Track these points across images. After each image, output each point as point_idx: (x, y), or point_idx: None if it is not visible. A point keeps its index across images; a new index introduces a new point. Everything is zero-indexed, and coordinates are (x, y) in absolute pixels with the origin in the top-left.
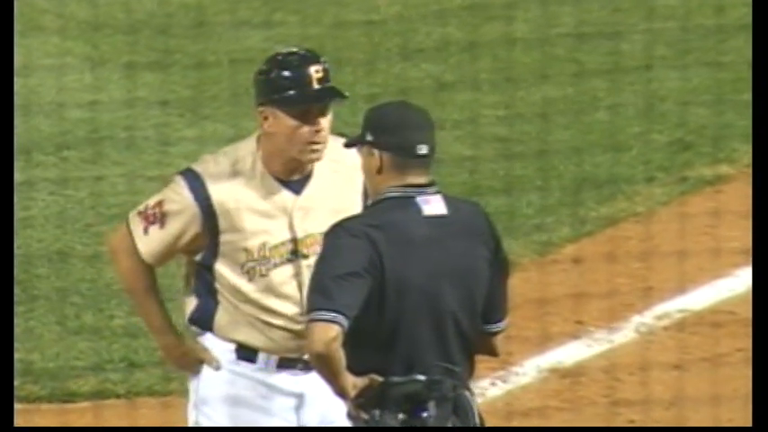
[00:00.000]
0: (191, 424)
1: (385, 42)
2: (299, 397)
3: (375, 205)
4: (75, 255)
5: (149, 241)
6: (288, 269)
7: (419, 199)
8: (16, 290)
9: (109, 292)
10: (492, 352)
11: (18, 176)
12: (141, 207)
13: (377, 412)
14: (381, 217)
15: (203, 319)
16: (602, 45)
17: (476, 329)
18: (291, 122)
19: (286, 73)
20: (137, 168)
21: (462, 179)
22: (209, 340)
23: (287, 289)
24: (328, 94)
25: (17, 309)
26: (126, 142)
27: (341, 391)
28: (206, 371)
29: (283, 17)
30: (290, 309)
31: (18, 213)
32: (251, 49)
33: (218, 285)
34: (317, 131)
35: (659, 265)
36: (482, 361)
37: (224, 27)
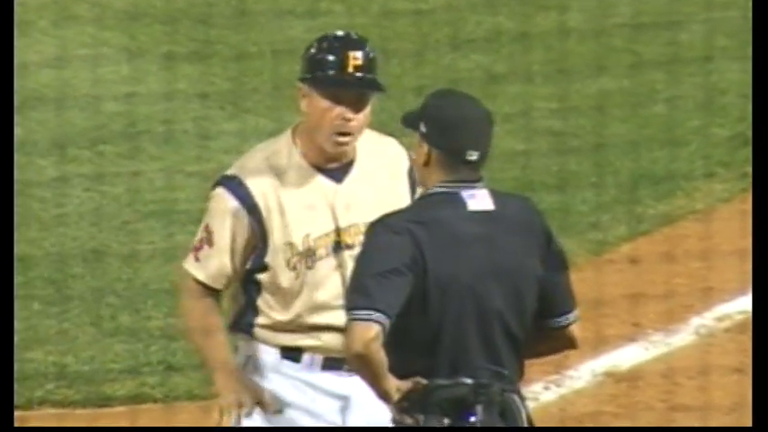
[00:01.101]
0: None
1: (434, 32)
2: (345, 399)
3: (420, 200)
4: (111, 253)
5: (204, 265)
6: (332, 261)
7: (464, 194)
8: (50, 290)
9: (146, 293)
10: (570, 345)
11: (52, 172)
12: (192, 243)
13: (421, 417)
14: (425, 213)
15: (244, 325)
16: (661, 35)
17: (525, 330)
18: (322, 104)
19: (325, 52)
20: (175, 163)
21: (514, 175)
22: (251, 346)
23: (332, 282)
24: (360, 83)
25: (51, 309)
26: (164, 136)
27: (384, 395)
28: (249, 371)
29: (329, 6)
30: (336, 302)
31: (52, 210)
32: (294, 39)
33: (262, 292)
34: (347, 120)
35: (719, 265)
36: (535, 365)
37: (266, 17)
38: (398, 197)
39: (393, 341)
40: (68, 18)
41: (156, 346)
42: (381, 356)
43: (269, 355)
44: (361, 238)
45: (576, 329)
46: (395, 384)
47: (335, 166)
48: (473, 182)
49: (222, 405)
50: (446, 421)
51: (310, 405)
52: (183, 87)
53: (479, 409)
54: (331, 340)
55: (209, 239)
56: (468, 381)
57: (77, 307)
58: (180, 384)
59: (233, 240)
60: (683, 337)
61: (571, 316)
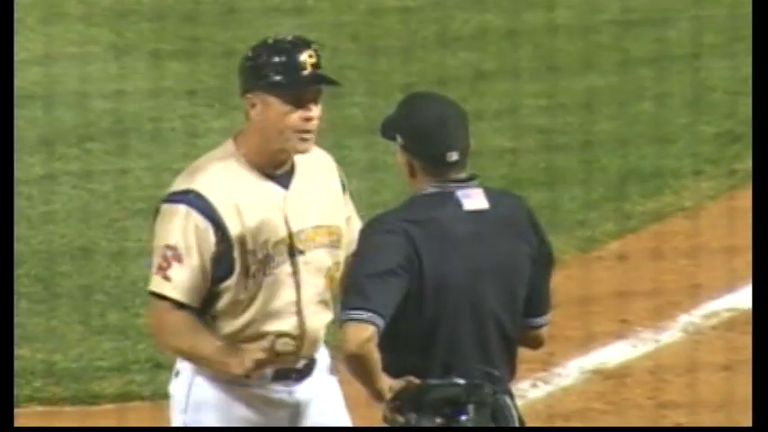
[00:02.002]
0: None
1: (422, 30)
2: (294, 407)
3: (415, 199)
4: (100, 251)
5: (176, 283)
6: (287, 268)
7: (459, 193)
8: (38, 287)
9: (134, 290)
10: (534, 345)
11: (40, 170)
12: (153, 269)
13: (413, 416)
14: (420, 212)
15: None
16: (649, 32)
17: (517, 330)
18: (283, 108)
19: (277, 58)
20: (163, 161)
21: (502, 172)
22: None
23: (286, 288)
24: (322, 80)
25: (39, 307)
26: (152, 134)
27: (376, 394)
28: (197, 379)
29: (315, 3)
30: (289, 308)
31: (40, 208)
32: None
33: (212, 303)
34: (309, 119)
35: (707, 262)
36: (523, 362)
37: (254, 14)
38: (337, 198)
39: (387, 341)
40: (56, 15)
41: (144, 343)
42: (376, 357)
43: (217, 375)
44: (309, 243)
45: (544, 333)
46: (388, 384)
47: (281, 173)
48: (465, 181)
49: (247, 359)
50: (438, 420)
51: (258, 417)
52: (171, 85)
53: (471, 408)
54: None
55: (176, 256)
56: (461, 381)
57: (65, 305)
58: (168, 382)
59: (200, 255)
60: (671, 334)
61: (545, 318)
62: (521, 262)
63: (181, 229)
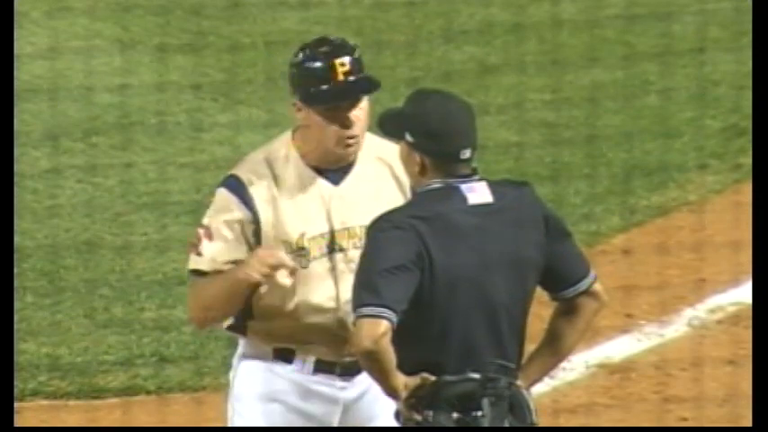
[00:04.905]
0: (228, 418)
1: (427, 24)
2: (337, 403)
3: (419, 195)
4: (105, 245)
5: (206, 258)
6: (325, 263)
7: (464, 187)
8: (43, 281)
9: (139, 284)
10: (598, 303)
11: (45, 163)
12: (191, 243)
13: (430, 413)
14: (427, 208)
15: (239, 326)
16: (654, 27)
17: (527, 322)
18: (321, 120)
19: (311, 66)
20: (168, 155)
21: (507, 166)
22: (245, 345)
23: (324, 283)
24: (354, 90)
25: (44, 301)
26: (157, 128)
27: (391, 391)
28: (243, 368)
29: None
30: (327, 304)
31: (45, 202)
32: (287, 30)
33: (255, 292)
34: (348, 127)
35: (712, 257)
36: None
37: (259, 8)
38: (394, 201)
39: (400, 337)
40: (61, 9)
41: (149, 337)
42: (390, 353)
43: (262, 354)
44: (354, 242)
45: (599, 287)
46: (402, 380)
47: (335, 168)
48: (469, 175)
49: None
50: (455, 416)
51: (301, 405)
52: (176, 79)
53: (485, 402)
54: (322, 342)
55: (208, 234)
56: (477, 375)
57: (70, 299)
58: (173, 376)
59: (233, 232)
60: (676, 328)
61: (590, 278)
62: (529, 253)
63: (215, 210)
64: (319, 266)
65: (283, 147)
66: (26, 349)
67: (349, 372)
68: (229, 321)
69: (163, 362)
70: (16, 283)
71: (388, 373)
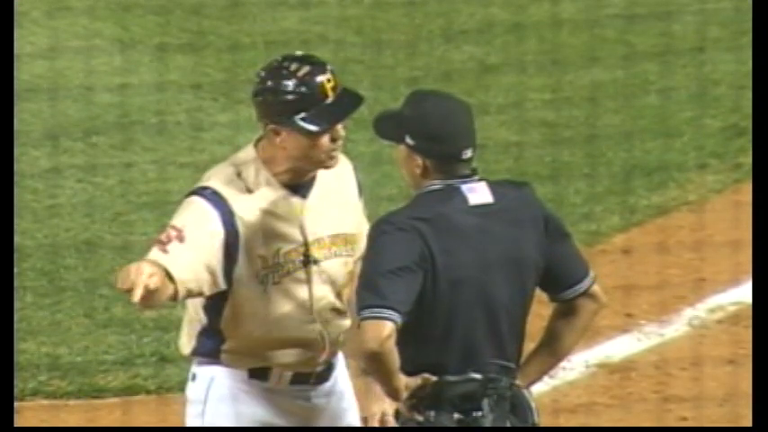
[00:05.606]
0: (188, 417)
1: (427, 23)
2: (310, 411)
3: (420, 197)
4: (104, 245)
5: (174, 259)
6: (300, 275)
7: (464, 188)
8: (43, 281)
9: None
10: (597, 304)
11: (45, 163)
12: (154, 243)
13: (431, 413)
14: (428, 209)
15: (208, 350)
16: (654, 26)
17: (525, 322)
18: (308, 141)
19: (297, 92)
20: (168, 155)
21: (507, 165)
22: (215, 369)
23: (299, 296)
24: (349, 102)
25: (44, 301)
26: (157, 127)
27: (394, 392)
28: (215, 389)
29: None
30: (303, 316)
31: (45, 201)
32: (288, 30)
33: (224, 313)
34: (335, 140)
35: (712, 256)
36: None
37: (259, 7)
38: (356, 205)
39: (402, 337)
40: (61, 9)
41: (149, 337)
42: (395, 354)
43: (236, 376)
44: (324, 252)
45: (597, 289)
46: (404, 381)
47: (301, 182)
48: (469, 175)
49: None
50: (456, 416)
51: (275, 420)
52: (176, 78)
53: (486, 403)
54: (299, 355)
55: (179, 236)
56: (478, 376)
57: (70, 298)
58: (173, 376)
59: (205, 246)
60: (676, 328)
61: (589, 279)
62: (529, 253)
63: (191, 216)
64: (294, 279)
65: (251, 164)
66: (26, 349)
67: (322, 379)
68: (194, 345)
69: (163, 362)
70: (16, 282)
71: (392, 374)
